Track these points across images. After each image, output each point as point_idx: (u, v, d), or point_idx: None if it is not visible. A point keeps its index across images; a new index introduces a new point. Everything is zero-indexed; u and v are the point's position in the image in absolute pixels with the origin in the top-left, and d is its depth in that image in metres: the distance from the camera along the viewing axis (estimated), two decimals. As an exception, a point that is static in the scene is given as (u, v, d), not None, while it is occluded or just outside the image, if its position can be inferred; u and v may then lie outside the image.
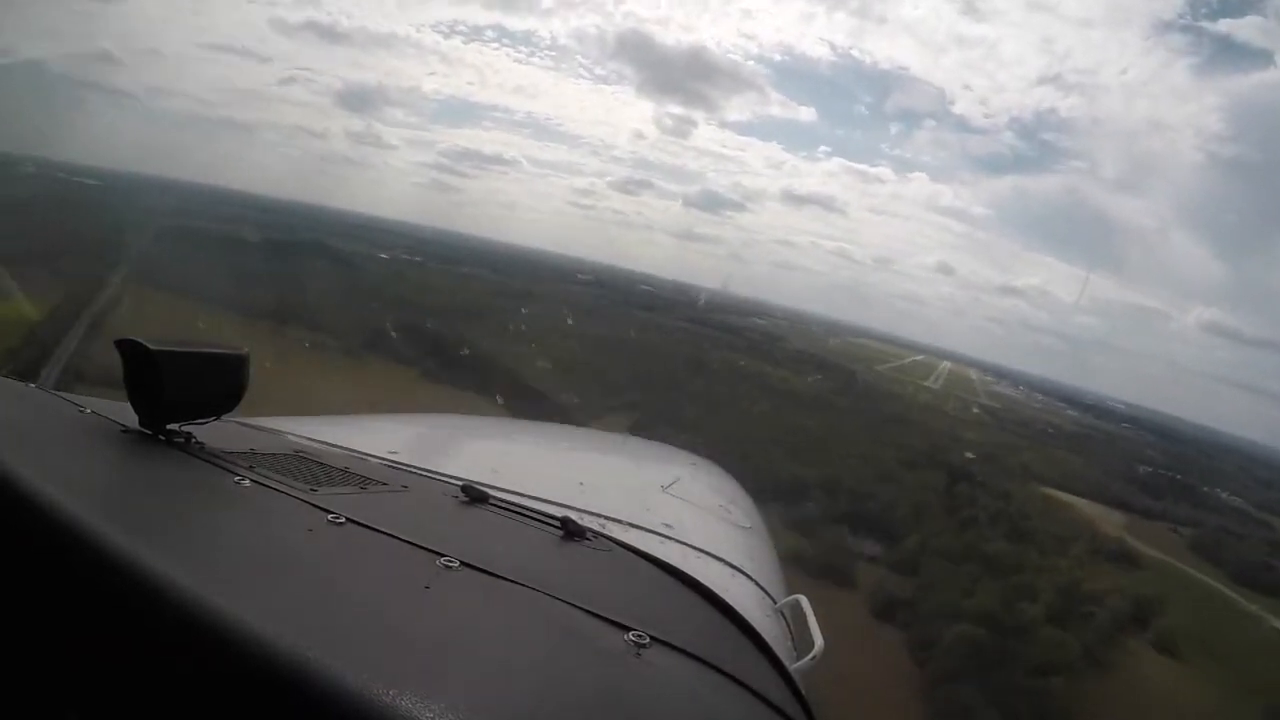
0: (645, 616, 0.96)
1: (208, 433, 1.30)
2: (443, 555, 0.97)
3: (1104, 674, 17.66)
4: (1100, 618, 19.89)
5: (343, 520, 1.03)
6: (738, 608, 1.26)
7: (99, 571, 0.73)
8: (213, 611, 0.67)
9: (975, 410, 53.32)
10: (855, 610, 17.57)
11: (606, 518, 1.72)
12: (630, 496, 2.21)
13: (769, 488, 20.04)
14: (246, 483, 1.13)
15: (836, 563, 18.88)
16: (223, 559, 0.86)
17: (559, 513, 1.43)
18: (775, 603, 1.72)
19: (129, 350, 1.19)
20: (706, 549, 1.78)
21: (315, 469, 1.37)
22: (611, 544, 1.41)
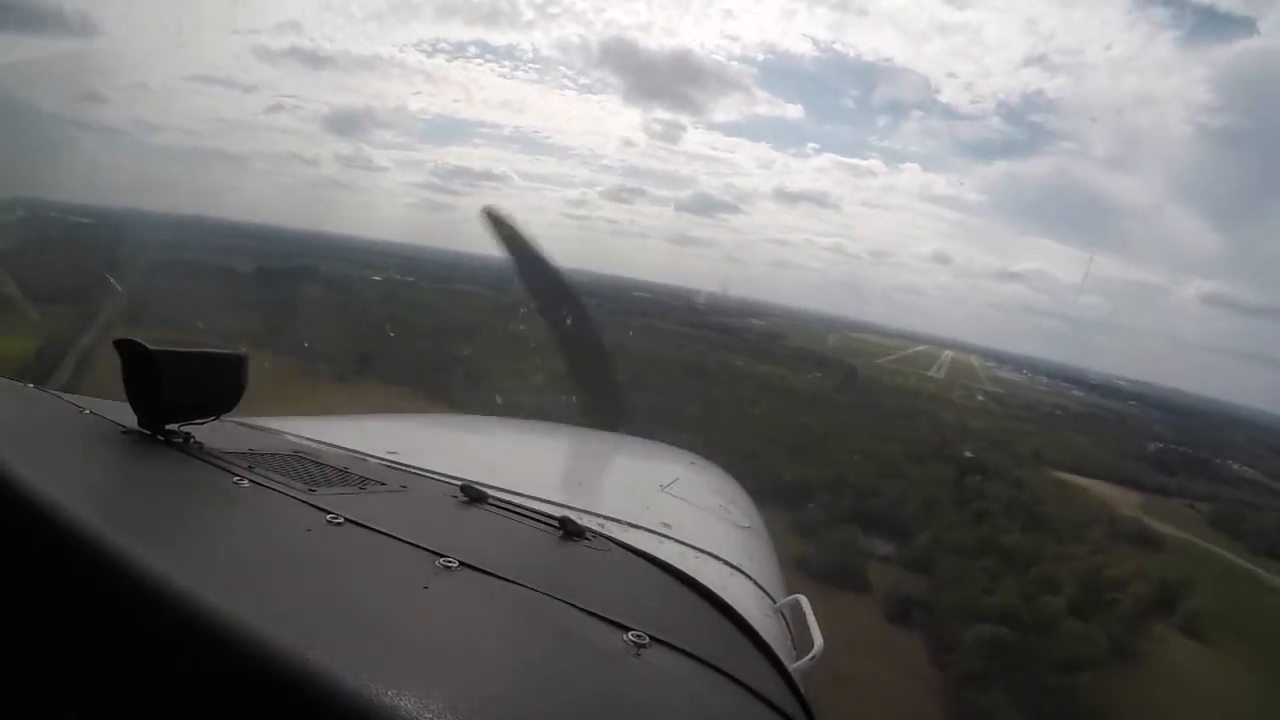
0: (644, 616, 0.96)
1: (207, 433, 1.31)
2: (441, 555, 0.97)
3: (1132, 665, 17.02)
4: (1124, 605, 19.24)
5: (341, 520, 1.03)
6: (737, 607, 1.25)
7: (98, 571, 0.73)
8: (211, 611, 0.67)
9: (980, 398, 52.83)
10: (869, 614, 16.94)
11: (605, 517, 1.71)
12: (629, 496, 2.18)
13: (771, 490, 19.37)
14: (245, 483, 1.13)
15: (846, 565, 18.19)
16: (221, 559, 0.86)
17: (558, 512, 1.42)
18: (775, 602, 1.70)
19: (128, 350, 1.20)
20: (706, 548, 1.76)
21: (314, 469, 1.37)
22: (610, 544, 1.41)
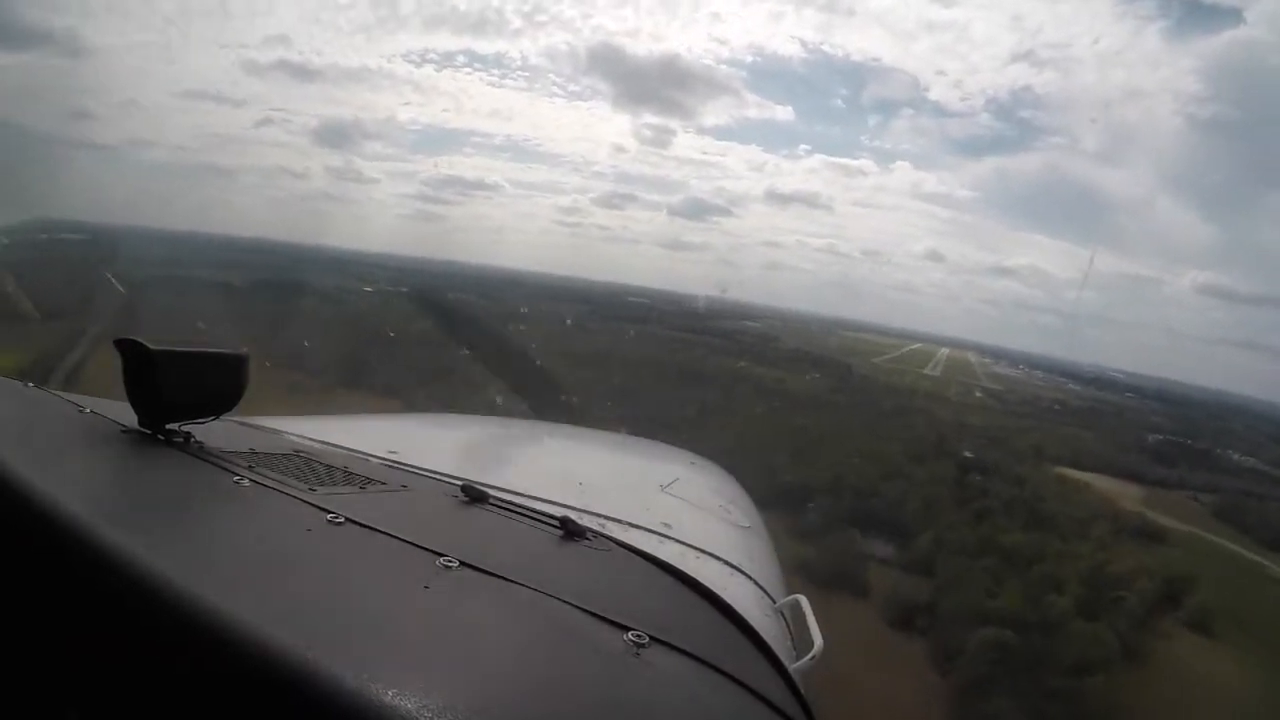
0: (644, 616, 0.96)
1: (207, 432, 1.31)
2: (442, 555, 0.98)
3: (1141, 665, 16.60)
4: (1131, 602, 18.86)
5: (342, 520, 1.03)
6: (737, 607, 1.24)
7: (98, 571, 0.74)
8: (212, 611, 0.68)
9: (978, 394, 52.77)
10: (869, 619, 16.52)
11: (606, 517, 1.70)
12: (630, 496, 2.19)
13: (768, 494, 18.96)
14: (246, 482, 1.13)
15: (845, 569, 17.74)
16: (222, 558, 0.87)
17: (558, 512, 1.41)
18: (775, 602, 1.68)
19: (129, 350, 1.20)
20: (706, 548, 1.75)
21: (314, 469, 1.36)
22: (611, 543, 1.40)
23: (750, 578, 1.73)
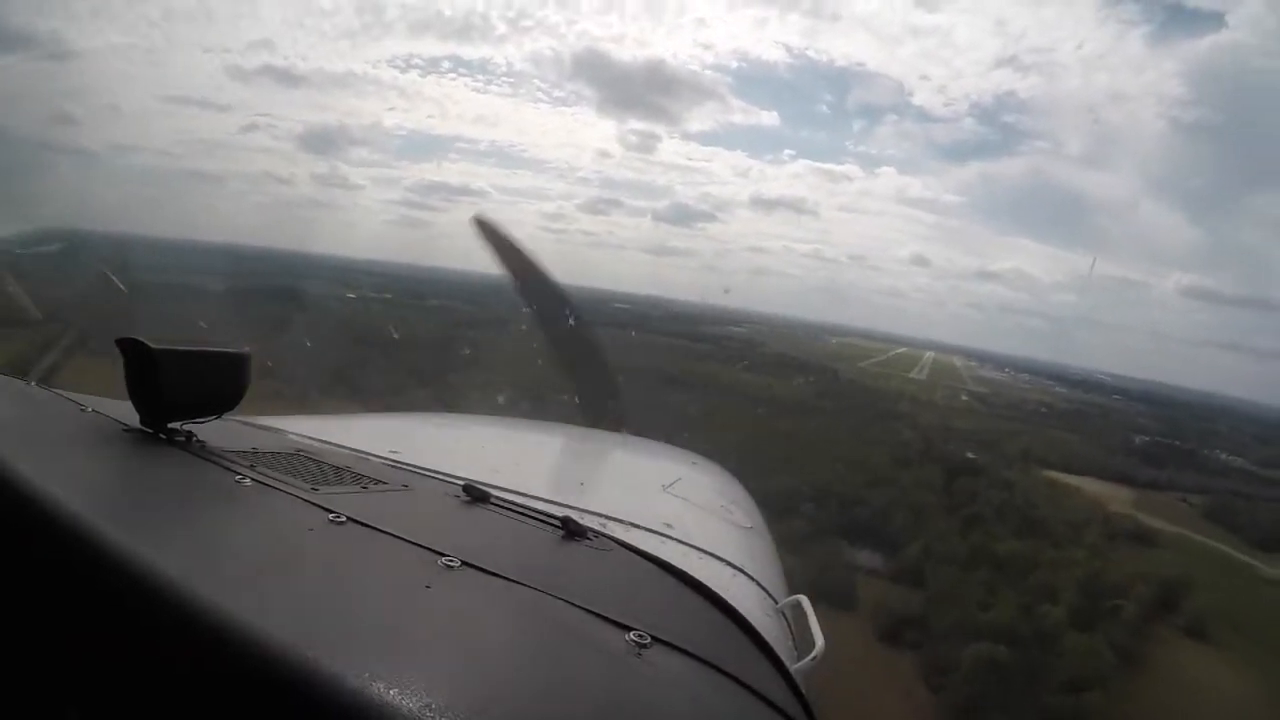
0: (646, 616, 0.96)
1: (209, 431, 1.31)
2: (444, 555, 0.98)
3: (1138, 675, 16.10)
4: (1126, 610, 18.43)
5: (343, 519, 1.04)
6: (739, 608, 1.23)
7: (99, 570, 0.74)
8: (213, 610, 0.68)
9: (964, 398, 52.72)
10: (858, 633, 15.84)
11: (607, 517, 1.66)
12: (631, 496, 2.15)
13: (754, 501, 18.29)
14: (247, 482, 1.14)
15: (832, 580, 17.05)
16: (223, 558, 0.87)
17: (560, 512, 1.40)
18: (776, 603, 1.63)
19: (130, 349, 1.21)
20: (707, 549, 1.70)
21: (316, 468, 1.36)
22: (612, 543, 1.39)
23: (752, 578, 1.70)
